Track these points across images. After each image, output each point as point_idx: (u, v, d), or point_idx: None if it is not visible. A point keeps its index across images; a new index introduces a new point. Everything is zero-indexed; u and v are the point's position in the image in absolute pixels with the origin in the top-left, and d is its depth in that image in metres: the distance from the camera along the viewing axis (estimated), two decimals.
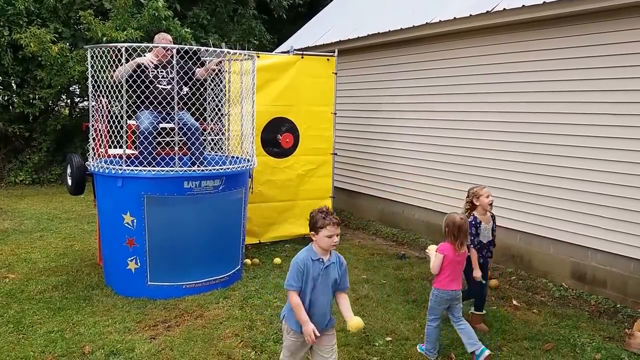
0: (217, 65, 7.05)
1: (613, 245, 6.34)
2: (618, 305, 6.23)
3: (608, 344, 5.26)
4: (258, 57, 7.65)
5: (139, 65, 6.43)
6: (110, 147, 6.52)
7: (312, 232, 3.82)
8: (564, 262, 6.94)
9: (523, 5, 6.77)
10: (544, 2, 6.51)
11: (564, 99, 6.80)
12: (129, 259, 6.11)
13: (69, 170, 7.11)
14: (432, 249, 4.91)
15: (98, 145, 6.56)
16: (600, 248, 6.49)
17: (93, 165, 6.30)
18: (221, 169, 6.29)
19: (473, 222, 5.52)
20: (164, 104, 6.44)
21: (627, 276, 6.24)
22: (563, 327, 5.65)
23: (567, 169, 6.78)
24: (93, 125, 6.51)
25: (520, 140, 7.35)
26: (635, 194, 6.09)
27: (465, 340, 4.81)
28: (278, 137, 8.38)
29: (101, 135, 6.54)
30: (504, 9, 7.04)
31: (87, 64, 6.38)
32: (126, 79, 6.05)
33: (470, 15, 7.54)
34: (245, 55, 6.98)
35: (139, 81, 6.18)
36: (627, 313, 6.03)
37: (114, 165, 6.11)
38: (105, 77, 6.12)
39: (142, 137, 6.40)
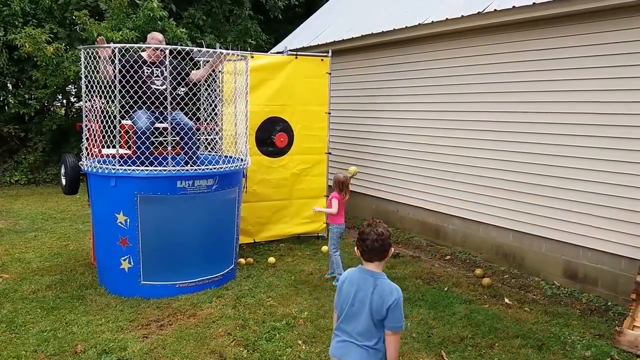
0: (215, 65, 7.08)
1: (604, 244, 6.37)
2: (609, 303, 6.27)
3: (598, 341, 5.30)
4: (252, 57, 7.68)
5: (134, 63, 6.40)
6: (103, 146, 6.54)
7: (385, 255, 3.29)
8: (556, 261, 6.97)
9: (513, 6, 6.81)
10: (534, 3, 6.55)
11: (557, 98, 6.83)
12: (122, 259, 6.13)
13: (63, 170, 7.13)
14: (318, 206, 7.62)
15: (91, 145, 6.58)
16: (591, 246, 6.52)
17: (86, 165, 6.32)
18: (214, 169, 6.32)
19: None
20: (157, 104, 6.42)
21: (618, 274, 6.27)
22: (554, 325, 5.69)
23: (559, 168, 6.81)
24: (86, 125, 6.53)
25: (512, 140, 7.38)
26: (626, 193, 6.12)
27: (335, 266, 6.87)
28: (272, 136, 8.41)
29: (95, 135, 6.55)
30: (495, 9, 7.07)
31: (80, 64, 6.39)
32: (119, 79, 6.06)
33: (462, 16, 7.57)
34: (238, 55, 7.00)
35: (132, 81, 6.18)
36: (618, 311, 6.07)
37: (107, 164, 6.13)
38: (99, 77, 6.14)
39: (141, 135, 6.35)
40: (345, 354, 3.28)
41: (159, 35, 6.95)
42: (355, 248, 3.34)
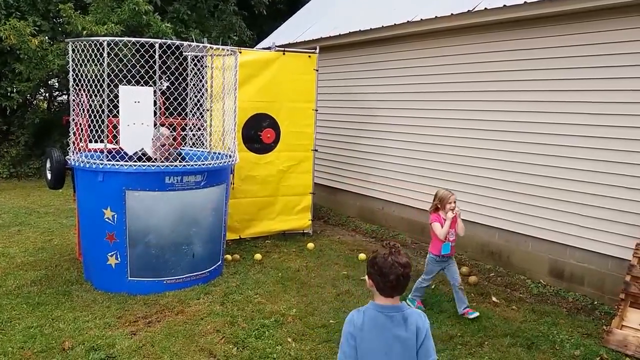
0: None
1: (591, 243, 6.43)
2: (595, 302, 6.32)
3: (586, 340, 5.34)
4: (240, 53, 7.64)
5: None
6: (91, 141, 6.46)
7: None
8: (543, 259, 7.01)
9: (504, 5, 6.82)
10: (525, 2, 6.57)
11: (547, 98, 6.86)
12: (109, 254, 6.06)
13: (48, 164, 7.04)
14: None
15: (78, 139, 6.50)
16: (578, 245, 6.57)
17: (73, 160, 6.24)
18: (203, 165, 6.27)
19: None
20: None
21: (605, 273, 6.33)
22: (542, 324, 5.72)
23: (546, 167, 6.85)
24: (74, 119, 6.46)
25: (500, 139, 7.41)
26: (613, 193, 6.17)
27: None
28: (259, 133, 8.38)
29: (82, 129, 6.48)
30: (485, 8, 7.09)
31: (68, 57, 6.32)
32: None
33: (452, 14, 7.58)
34: (228, 50, 6.96)
35: None
36: (604, 310, 6.13)
37: (94, 159, 6.07)
38: (86, 71, 6.07)
39: None
40: None
41: (166, 131, 6.77)
42: (369, 280, 2.79)
